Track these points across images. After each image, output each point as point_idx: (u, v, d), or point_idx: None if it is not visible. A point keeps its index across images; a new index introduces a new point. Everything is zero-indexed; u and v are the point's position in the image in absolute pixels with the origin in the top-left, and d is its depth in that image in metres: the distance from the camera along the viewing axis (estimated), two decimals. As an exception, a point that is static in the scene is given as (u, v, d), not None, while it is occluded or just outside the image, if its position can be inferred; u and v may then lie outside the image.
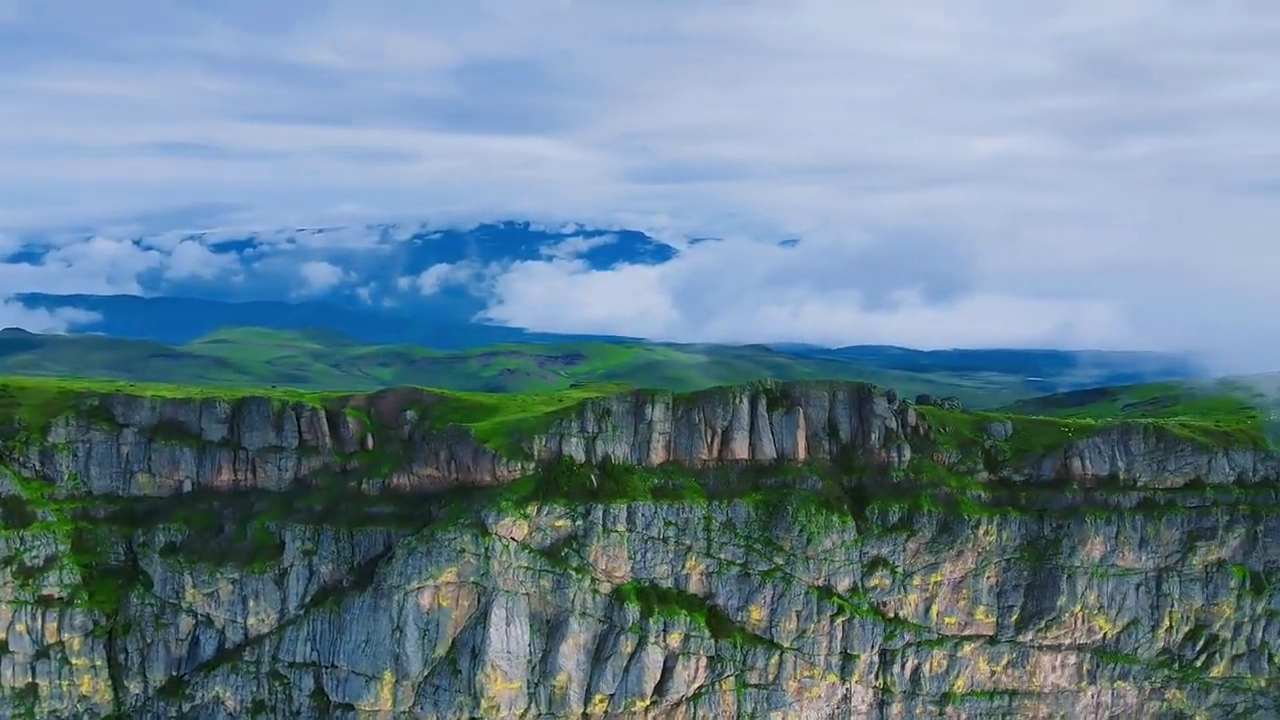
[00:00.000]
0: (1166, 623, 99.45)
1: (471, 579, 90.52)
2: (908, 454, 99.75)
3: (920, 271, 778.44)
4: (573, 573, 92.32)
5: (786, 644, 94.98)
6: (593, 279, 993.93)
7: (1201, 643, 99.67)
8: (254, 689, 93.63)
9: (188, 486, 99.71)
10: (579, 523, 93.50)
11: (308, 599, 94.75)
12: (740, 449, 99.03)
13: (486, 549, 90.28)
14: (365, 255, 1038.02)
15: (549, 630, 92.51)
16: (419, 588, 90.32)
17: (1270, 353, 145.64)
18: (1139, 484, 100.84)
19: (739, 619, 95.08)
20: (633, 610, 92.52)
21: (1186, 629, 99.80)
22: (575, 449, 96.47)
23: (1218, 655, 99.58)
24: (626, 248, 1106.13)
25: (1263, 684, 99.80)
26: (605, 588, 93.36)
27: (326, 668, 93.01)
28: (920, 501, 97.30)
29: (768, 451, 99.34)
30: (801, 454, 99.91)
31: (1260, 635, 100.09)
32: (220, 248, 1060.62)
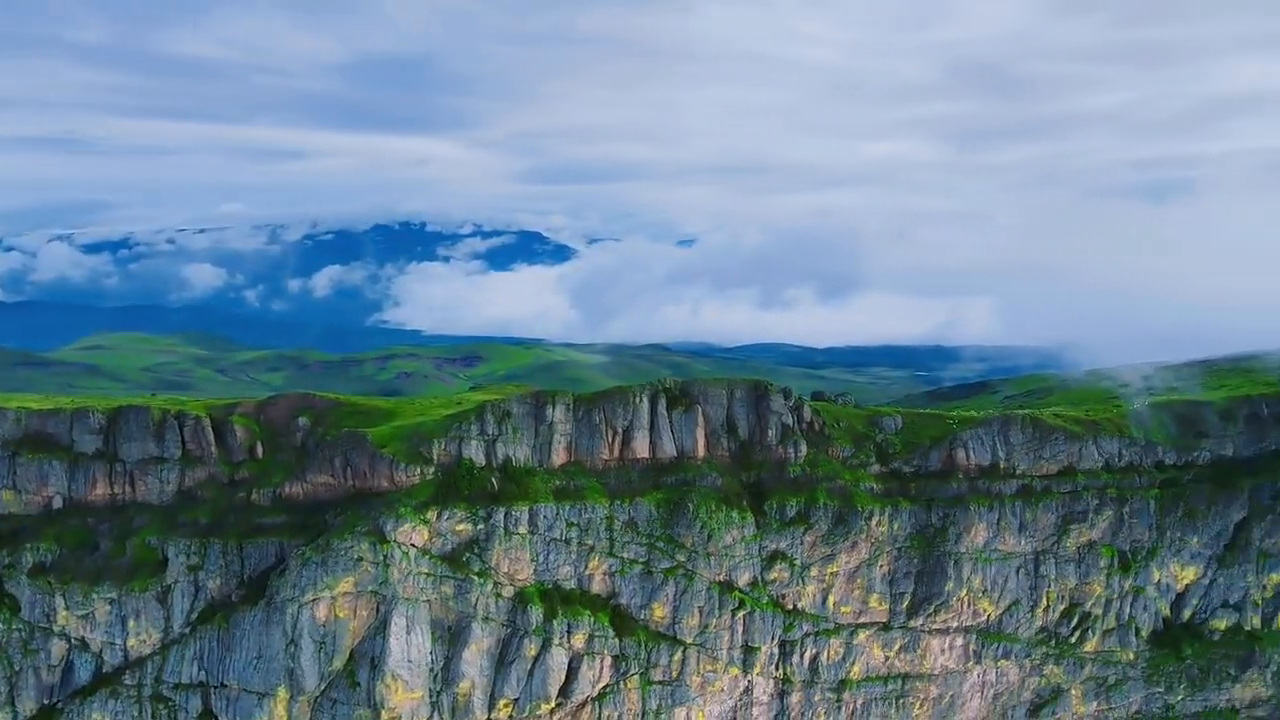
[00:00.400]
0: (1044, 602, 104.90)
1: (370, 588, 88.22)
2: (804, 449, 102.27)
3: (813, 270, 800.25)
4: (475, 577, 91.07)
5: (689, 640, 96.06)
6: (491, 280, 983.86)
7: (1075, 620, 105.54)
8: (135, 713, 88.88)
9: (58, 503, 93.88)
10: (480, 526, 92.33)
11: (194, 616, 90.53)
12: (641, 448, 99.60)
13: (385, 557, 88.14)
14: (252, 256, 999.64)
15: (451, 637, 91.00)
16: (314, 599, 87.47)
17: (1133, 345, 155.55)
18: (1018, 472, 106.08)
19: (642, 617, 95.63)
20: (536, 613, 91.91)
21: (1062, 608, 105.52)
22: (475, 452, 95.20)
23: (1090, 631, 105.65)
24: (525, 248, 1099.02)
25: (1131, 656, 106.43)
26: (508, 591, 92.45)
27: (215, 687, 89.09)
28: (816, 495, 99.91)
29: (668, 450, 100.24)
30: (701, 452, 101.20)
31: (1128, 610, 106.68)
32: (92, 248, 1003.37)
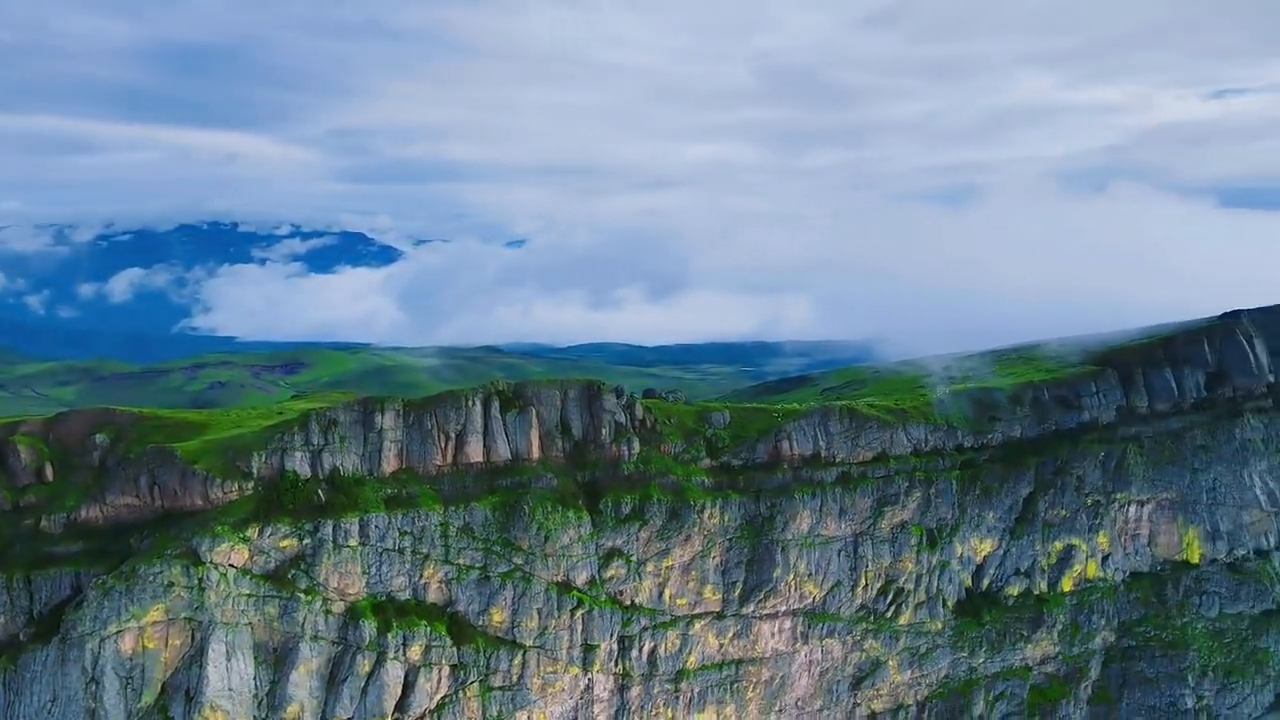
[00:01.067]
0: (863, 581, 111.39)
1: (183, 614, 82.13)
2: (637, 447, 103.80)
3: (642, 270, 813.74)
4: (301, 595, 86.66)
5: (529, 643, 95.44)
6: (312, 282, 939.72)
7: (891, 596, 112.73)
8: (-94, 774, 78.89)
9: None
10: (307, 541, 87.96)
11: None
12: (475, 452, 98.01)
13: (200, 580, 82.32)
14: (36, 259, 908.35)
15: (276, 660, 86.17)
16: (118, 631, 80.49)
17: (935, 338, 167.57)
18: (837, 460, 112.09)
19: (480, 623, 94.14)
20: (369, 627, 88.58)
21: (879, 585, 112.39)
22: (300, 463, 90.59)
23: (904, 605, 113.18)
24: (348, 250, 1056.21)
25: (939, 626, 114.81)
26: (338, 607, 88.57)
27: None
28: (650, 492, 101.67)
29: (502, 453, 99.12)
30: (536, 453, 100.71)
31: (936, 584, 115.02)
32: None
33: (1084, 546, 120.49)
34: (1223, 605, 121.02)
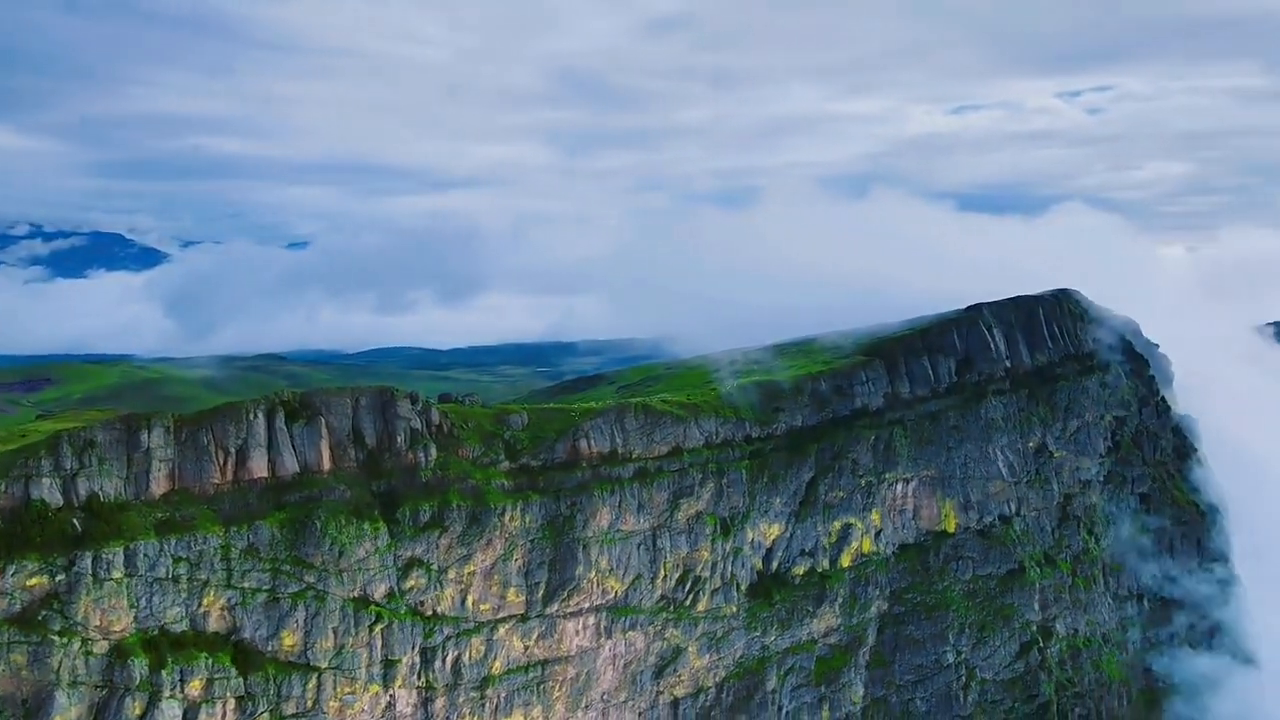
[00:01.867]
0: (662, 573, 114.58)
1: (-94, 672, 71.28)
2: (434, 452, 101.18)
3: (433, 272, 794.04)
4: (55, 638, 77.57)
5: (324, 665, 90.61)
6: (59, 288, 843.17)
7: (689, 585, 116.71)
8: None
9: None
10: (60, 578, 78.84)
11: None
12: (259, 467, 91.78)
13: (-74, 631, 71.72)
14: None
15: (26, 713, 76.65)
16: None
17: (723, 333, 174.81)
18: (634, 455, 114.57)
19: (270, 649, 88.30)
20: (139, 666, 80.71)
21: (677, 575, 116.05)
22: (49, 492, 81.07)
23: (701, 593, 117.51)
24: (102, 252, 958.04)
25: (734, 610, 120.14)
26: (102, 647, 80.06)
27: None
28: (449, 498, 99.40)
29: (290, 466, 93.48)
30: (327, 465, 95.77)
31: (730, 570, 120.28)
32: None
33: (859, 524, 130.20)
34: (975, 568, 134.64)
